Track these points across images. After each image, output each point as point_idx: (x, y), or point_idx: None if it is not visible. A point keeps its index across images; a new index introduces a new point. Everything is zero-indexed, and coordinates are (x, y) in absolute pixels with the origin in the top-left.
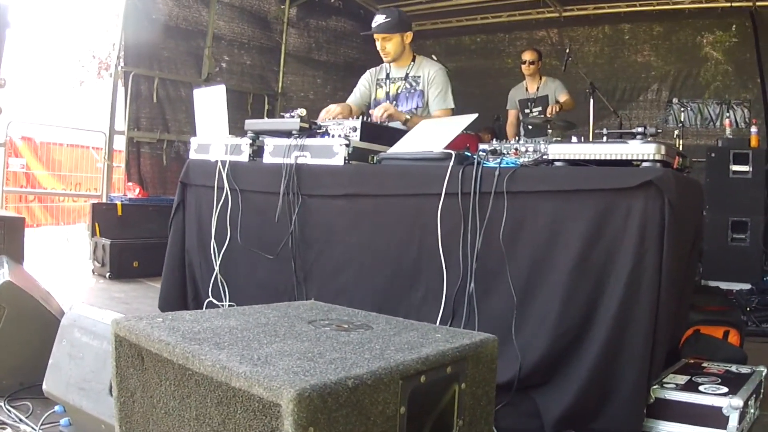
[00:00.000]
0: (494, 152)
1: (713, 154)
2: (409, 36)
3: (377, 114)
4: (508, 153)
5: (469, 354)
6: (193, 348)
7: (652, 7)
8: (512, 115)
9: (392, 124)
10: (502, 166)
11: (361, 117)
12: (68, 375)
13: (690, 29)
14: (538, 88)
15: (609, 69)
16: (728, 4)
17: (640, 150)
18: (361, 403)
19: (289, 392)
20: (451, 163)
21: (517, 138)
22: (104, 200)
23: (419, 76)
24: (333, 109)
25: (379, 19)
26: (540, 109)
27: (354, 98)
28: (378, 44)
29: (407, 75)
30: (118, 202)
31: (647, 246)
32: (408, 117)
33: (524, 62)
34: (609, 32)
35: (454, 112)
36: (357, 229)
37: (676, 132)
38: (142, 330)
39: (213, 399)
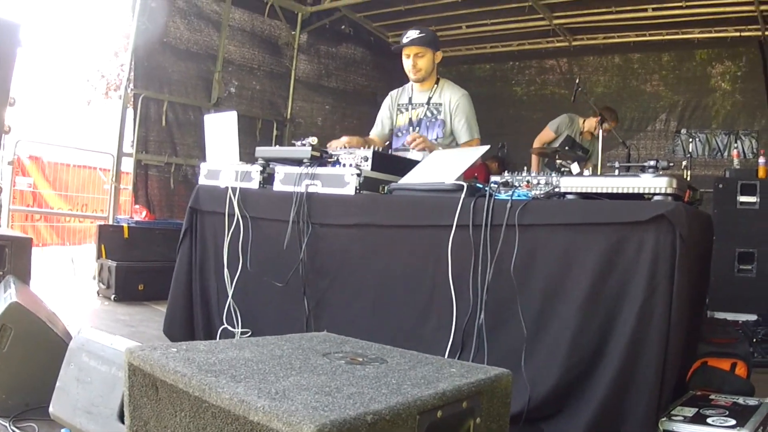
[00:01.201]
0: (506, 184)
1: (721, 185)
2: (439, 56)
3: (411, 140)
4: (519, 185)
5: (485, 389)
6: (210, 380)
7: (661, 37)
8: (548, 136)
9: (405, 155)
10: (513, 198)
11: (372, 145)
12: (76, 399)
13: (699, 59)
14: (590, 143)
15: (618, 98)
16: (737, 34)
17: (652, 184)
18: None
19: (310, 427)
20: (463, 195)
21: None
22: (111, 222)
23: (441, 104)
24: (339, 141)
25: (412, 34)
26: (578, 156)
27: (378, 130)
28: (408, 61)
29: (429, 100)
30: (125, 225)
31: (658, 279)
32: (440, 149)
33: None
34: (618, 62)
35: (481, 139)
36: (369, 259)
37: (684, 162)
38: (156, 360)
39: None
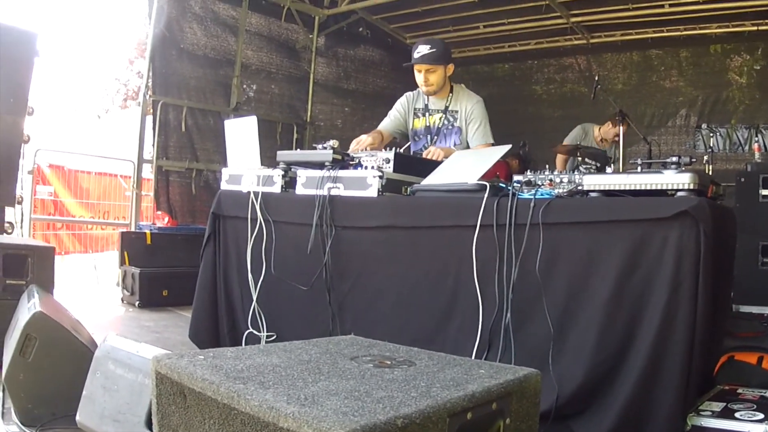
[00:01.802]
0: (529, 183)
1: (742, 179)
2: (451, 68)
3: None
4: (542, 184)
5: (514, 389)
6: (238, 387)
7: (679, 33)
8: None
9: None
10: (537, 197)
11: (394, 147)
12: (102, 407)
13: (717, 54)
14: (610, 149)
15: (637, 95)
16: (755, 28)
17: (675, 180)
18: None
19: None
20: (486, 195)
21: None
22: (133, 229)
23: (457, 111)
24: (364, 140)
25: (423, 50)
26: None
27: (387, 123)
28: (420, 76)
29: (446, 108)
30: (147, 231)
31: (683, 275)
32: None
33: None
34: (637, 58)
35: (493, 145)
36: (393, 260)
37: (705, 157)
38: (184, 368)
39: None
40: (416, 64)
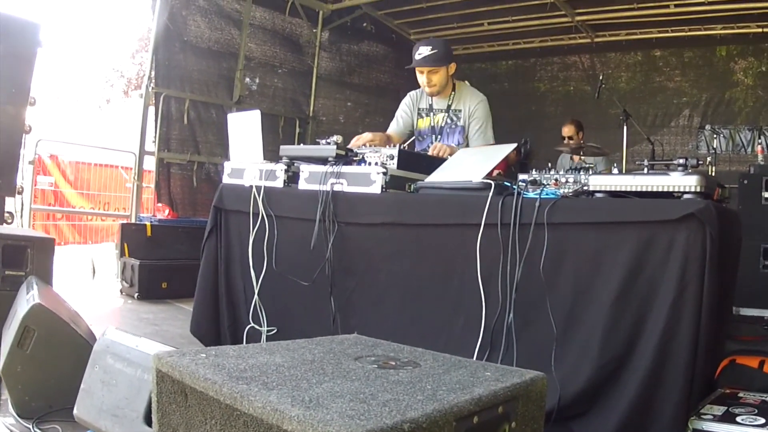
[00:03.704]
0: (534, 183)
1: (745, 181)
2: (453, 67)
3: (435, 154)
4: (548, 184)
5: (520, 393)
6: (242, 388)
7: (684, 33)
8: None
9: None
10: (542, 197)
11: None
12: (101, 401)
13: (721, 55)
14: (580, 158)
15: (640, 95)
16: (760, 30)
17: (682, 182)
18: None
19: None
20: (491, 194)
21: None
22: (133, 220)
23: (460, 110)
24: (364, 136)
25: (424, 51)
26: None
27: (396, 126)
28: (422, 77)
29: (449, 107)
30: (148, 223)
31: (689, 278)
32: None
33: (563, 138)
34: (641, 58)
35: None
36: (397, 258)
37: (708, 159)
38: (185, 367)
39: None
40: (418, 66)
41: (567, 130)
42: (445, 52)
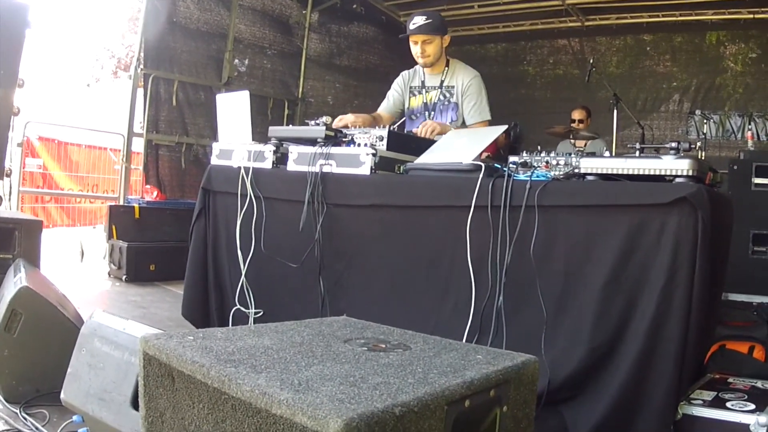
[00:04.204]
0: (525, 165)
1: (735, 167)
2: (447, 39)
3: (424, 133)
4: (538, 166)
5: (512, 376)
6: (229, 371)
7: (674, 18)
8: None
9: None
10: (533, 179)
11: (393, 125)
12: (88, 385)
13: (712, 41)
14: (585, 144)
15: (630, 79)
16: (751, 16)
17: (674, 165)
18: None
19: (336, 422)
20: (481, 176)
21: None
22: (121, 202)
23: (453, 86)
24: (346, 117)
25: (418, 21)
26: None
27: (387, 105)
28: (416, 48)
29: (442, 83)
30: (136, 205)
31: (680, 262)
32: (454, 129)
33: (573, 121)
34: (631, 42)
35: (491, 122)
36: (386, 239)
37: (698, 144)
38: (173, 349)
39: (251, 425)
40: (412, 35)
41: (578, 114)
42: (440, 23)
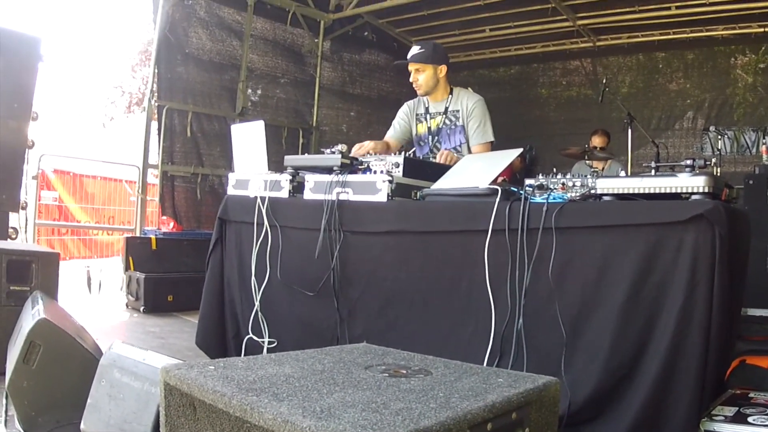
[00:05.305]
0: (541, 187)
1: (751, 181)
2: (443, 69)
3: (443, 160)
4: (555, 188)
5: (533, 398)
6: (251, 399)
7: (685, 35)
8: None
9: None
10: (549, 201)
11: (402, 152)
12: (108, 416)
13: (724, 56)
14: (603, 168)
15: (643, 98)
16: (762, 30)
17: (690, 183)
18: None
19: None
20: (498, 199)
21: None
22: (138, 234)
23: (458, 110)
24: (366, 144)
25: (413, 50)
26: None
27: (393, 132)
28: (412, 76)
29: (446, 109)
30: (152, 236)
31: (698, 279)
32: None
33: (594, 148)
34: (643, 61)
35: (494, 144)
36: (403, 265)
37: (713, 160)
38: (194, 379)
39: None
40: (408, 64)
41: (599, 141)
42: (432, 53)
